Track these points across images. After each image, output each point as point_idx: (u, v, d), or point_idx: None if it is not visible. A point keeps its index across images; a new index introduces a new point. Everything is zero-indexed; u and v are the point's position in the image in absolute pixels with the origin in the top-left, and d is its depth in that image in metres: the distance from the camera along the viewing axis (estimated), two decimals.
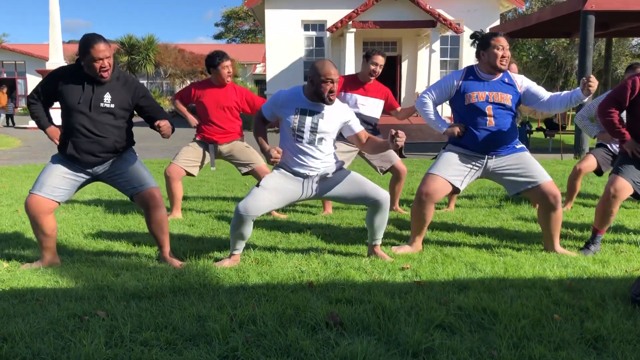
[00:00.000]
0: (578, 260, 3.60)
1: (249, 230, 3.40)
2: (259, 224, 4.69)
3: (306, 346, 2.25)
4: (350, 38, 17.62)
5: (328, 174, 3.47)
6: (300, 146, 3.40)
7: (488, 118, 3.68)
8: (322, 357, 2.19)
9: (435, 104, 3.89)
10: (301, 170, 3.43)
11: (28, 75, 34.64)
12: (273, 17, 19.75)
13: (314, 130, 3.38)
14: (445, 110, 17.29)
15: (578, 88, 3.54)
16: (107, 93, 3.36)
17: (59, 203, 3.43)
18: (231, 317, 2.54)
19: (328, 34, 19.11)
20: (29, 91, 33.23)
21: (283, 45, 19.89)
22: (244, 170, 5.10)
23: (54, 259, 3.51)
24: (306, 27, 20.21)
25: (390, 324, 2.47)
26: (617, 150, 5.10)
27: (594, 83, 3.41)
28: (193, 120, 5.05)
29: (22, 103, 33.49)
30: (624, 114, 4.35)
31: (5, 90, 22.53)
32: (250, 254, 3.70)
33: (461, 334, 2.42)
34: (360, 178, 3.52)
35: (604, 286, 3.02)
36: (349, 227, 4.64)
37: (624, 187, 3.70)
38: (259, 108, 3.59)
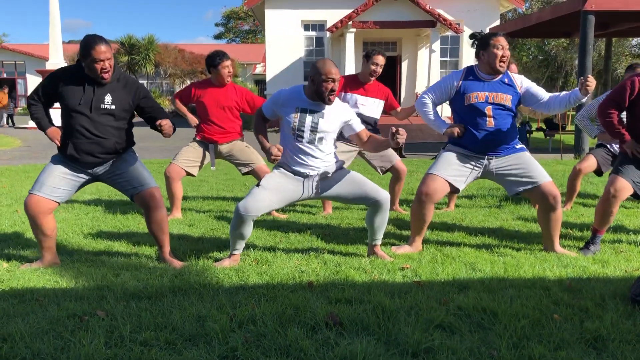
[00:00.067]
0: (578, 260, 3.60)
1: (249, 230, 3.40)
2: (258, 224, 4.69)
3: (306, 346, 2.25)
4: (350, 38, 17.62)
5: (328, 173, 3.47)
6: (300, 145, 3.40)
7: (488, 118, 3.68)
8: (321, 357, 2.19)
9: (435, 105, 3.89)
10: (301, 170, 3.43)
11: (28, 75, 34.64)
12: (273, 17, 19.75)
13: (314, 129, 3.38)
14: (445, 111, 17.30)
15: (577, 88, 3.54)
16: (108, 94, 3.36)
17: (58, 203, 3.43)
18: (231, 317, 2.54)
19: (328, 34, 19.11)
20: (29, 91, 33.19)
21: (283, 45, 19.89)
22: (244, 170, 5.10)
23: (54, 259, 3.51)
24: (306, 27, 20.21)
25: (390, 324, 2.47)
26: (617, 150, 5.11)
27: (592, 83, 3.41)
28: (193, 119, 5.05)
29: (22, 103, 33.49)
30: (624, 115, 4.35)
31: (6, 90, 22.53)
32: (250, 254, 3.70)
33: (461, 334, 2.42)
34: (361, 178, 3.52)
35: (604, 286, 3.03)
36: (349, 227, 4.64)
37: (624, 187, 3.70)
38: (259, 107, 3.59)
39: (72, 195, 3.57)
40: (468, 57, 19.53)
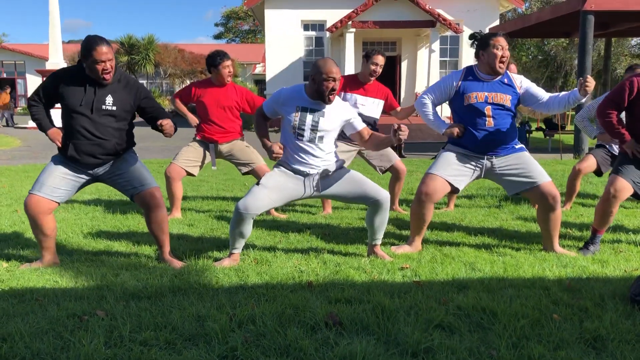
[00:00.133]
0: (577, 260, 3.60)
1: (248, 228, 3.40)
2: (258, 223, 4.69)
3: (305, 346, 2.25)
4: (349, 38, 17.62)
5: (328, 172, 3.48)
6: (300, 144, 3.40)
7: (487, 118, 3.69)
8: (321, 357, 2.19)
9: (435, 105, 3.89)
10: (301, 168, 3.43)
11: (28, 75, 34.63)
12: (273, 17, 19.75)
13: (314, 128, 3.38)
14: (445, 111, 17.30)
15: (576, 89, 3.54)
16: (109, 95, 3.36)
17: (58, 203, 3.43)
18: (230, 317, 2.54)
19: (328, 34, 19.11)
20: (29, 91, 33.11)
21: (283, 45, 19.89)
22: (244, 169, 5.10)
23: (54, 258, 3.51)
24: (306, 27, 20.21)
25: (389, 324, 2.47)
26: (617, 151, 5.11)
27: (591, 83, 3.41)
28: (193, 119, 5.05)
29: (22, 103, 33.48)
30: (623, 115, 4.35)
31: (9, 90, 22.54)
32: (249, 254, 3.70)
33: (460, 334, 2.42)
34: (361, 177, 3.53)
35: (603, 286, 3.03)
36: (349, 226, 4.64)
37: (624, 187, 3.70)
38: (260, 105, 3.59)
39: (72, 196, 3.56)
40: (468, 57, 19.53)
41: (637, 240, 4.18)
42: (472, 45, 3.85)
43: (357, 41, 18.74)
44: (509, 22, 14.62)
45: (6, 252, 3.83)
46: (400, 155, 11.01)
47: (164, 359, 2.18)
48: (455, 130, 3.75)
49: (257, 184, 3.41)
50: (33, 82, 34.07)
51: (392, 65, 19.79)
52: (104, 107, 3.34)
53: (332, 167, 3.49)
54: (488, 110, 3.68)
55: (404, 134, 3.19)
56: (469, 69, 3.80)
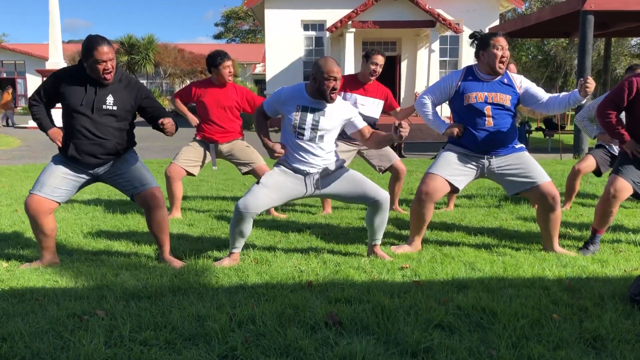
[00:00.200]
0: (577, 260, 3.60)
1: (248, 227, 3.40)
2: (258, 223, 4.70)
3: (305, 346, 2.25)
4: (349, 38, 17.62)
5: (328, 171, 3.48)
6: (301, 143, 3.40)
7: (487, 118, 3.69)
8: (321, 357, 2.19)
9: (435, 105, 3.89)
10: (301, 167, 3.43)
11: (28, 75, 34.62)
12: (273, 17, 19.74)
13: (314, 127, 3.38)
14: (445, 111, 17.30)
15: (576, 90, 3.54)
16: (110, 95, 3.36)
17: (59, 203, 3.43)
18: (230, 316, 2.54)
19: (328, 33, 19.10)
20: (29, 91, 33.04)
21: (283, 45, 19.89)
22: (244, 169, 5.10)
23: (54, 258, 3.51)
24: (306, 27, 20.21)
25: (389, 324, 2.47)
26: (617, 151, 5.11)
27: (591, 85, 3.41)
28: (193, 119, 5.05)
29: (22, 103, 33.47)
30: (623, 115, 4.35)
31: (10, 90, 22.53)
32: (249, 254, 3.70)
33: (460, 334, 2.42)
34: (361, 177, 3.53)
35: (603, 286, 3.03)
36: (349, 226, 4.64)
37: (624, 187, 3.70)
38: (260, 104, 3.59)
39: (72, 195, 3.56)
40: (467, 57, 19.53)
41: (636, 240, 4.18)
42: (472, 44, 3.85)
43: (357, 41, 18.74)
44: (509, 22, 14.62)
45: (6, 251, 3.83)
46: (400, 155, 11.01)
47: (163, 359, 2.18)
48: (455, 130, 3.75)
49: (257, 183, 3.41)
50: (33, 82, 34.06)
51: (392, 65, 19.79)
52: (104, 106, 3.34)
53: (332, 167, 3.49)
54: (488, 110, 3.68)
55: (405, 130, 3.19)
56: (469, 69, 3.80)
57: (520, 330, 2.42)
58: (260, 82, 33.59)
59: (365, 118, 4.93)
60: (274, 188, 3.40)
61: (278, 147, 3.38)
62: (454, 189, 3.83)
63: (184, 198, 5.95)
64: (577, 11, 10.31)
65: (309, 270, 3.34)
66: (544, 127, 14.47)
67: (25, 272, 3.30)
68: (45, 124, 3.46)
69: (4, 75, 34.89)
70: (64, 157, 3.43)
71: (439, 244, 4.08)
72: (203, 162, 5.04)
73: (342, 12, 18.20)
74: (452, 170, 3.78)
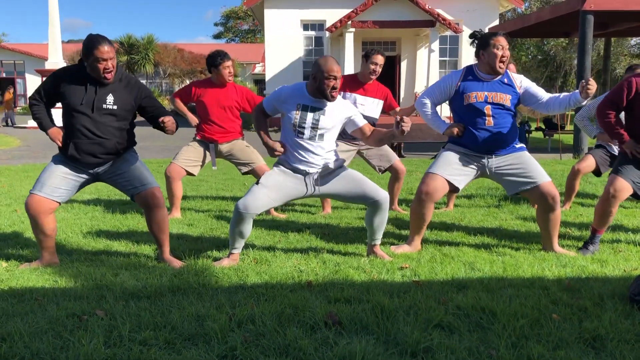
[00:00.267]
0: (576, 260, 3.60)
1: (248, 228, 3.40)
2: (258, 223, 4.69)
3: (305, 345, 2.25)
4: (349, 38, 17.61)
5: (328, 171, 3.48)
6: (300, 142, 3.40)
7: (487, 118, 3.69)
8: (320, 357, 2.19)
9: (435, 105, 3.89)
10: (301, 167, 3.43)
11: (27, 75, 34.62)
12: (272, 17, 19.74)
13: (315, 126, 3.38)
14: (445, 111, 17.29)
15: (577, 91, 3.54)
16: (110, 94, 3.35)
17: (59, 203, 3.43)
18: (230, 316, 2.54)
19: (327, 33, 19.10)
20: (28, 91, 32.90)
21: (282, 45, 19.88)
22: (244, 169, 5.10)
23: (53, 258, 3.51)
24: (305, 26, 20.20)
25: (389, 324, 2.47)
26: (616, 151, 5.11)
27: (593, 86, 3.40)
28: (193, 119, 5.05)
29: (22, 102, 33.46)
30: (623, 115, 4.35)
31: (12, 90, 22.51)
32: (249, 254, 3.70)
33: (460, 334, 2.42)
34: (360, 177, 3.53)
35: (603, 286, 3.03)
36: (348, 226, 4.64)
37: (624, 187, 3.70)
38: (260, 102, 3.59)
39: (73, 195, 3.56)
40: (467, 57, 19.53)
41: (636, 240, 4.18)
42: (472, 44, 3.85)
43: (357, 41, 18.73)
44: (509, 22, 14.62)
45: (5, 251, 3.83)
46: (400, 155, 11.02)
47: (163, 359, 2.18)
48: (455, 130, 3.75)
49: (257, 183, 3.41)
50: (32, 82, 34.05)
51: (392, 65, 19.79)
52: (104, 106, 3.34)
53: (331, 166, 3.49)
54: (488, 109, 3.68)
55: (407, 125, 3.18)
56: (469, 69, 3.80)
57: (519, 330, 2.42)
58: (259, 82, 33.58)
59: (365, 118, 4.93)
60: (273, 188, 3.39)
61: (278, 146, 3.38)
62: (454, 189, 3.83)
63: (184, 198, 5.94)
64: (577, 11, 10.31)
65: (309, 270, 3.34)
66: (543, 127, 14.47)
67: (25, 272, 3.30)
68: (45, 124, 3.45)
69: (4, 75, 34.88)
70: (64, 157, 3.42)
71: (439, 243, 4.08)
72: (203, 162, 5.04)
73: (342, 12, 18.20)
74: (452, 170, 3.78)
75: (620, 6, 10.17)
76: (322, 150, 3.44)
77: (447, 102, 3.91)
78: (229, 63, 4.85)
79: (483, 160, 3.79)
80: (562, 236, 4.30)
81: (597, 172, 5.28)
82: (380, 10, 17.35)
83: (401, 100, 20.11)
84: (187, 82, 29.54)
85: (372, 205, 3.48)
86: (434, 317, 2.54)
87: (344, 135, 4.94)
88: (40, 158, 10.80)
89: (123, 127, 3.44)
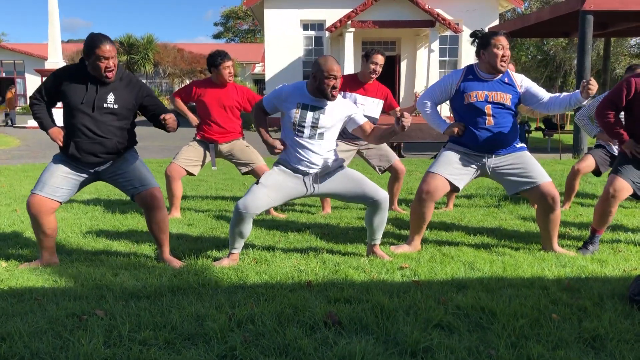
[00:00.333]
0: (576, 260, 3.61)
1: (248, 228, 3.40)
2: (257, 223, 4.69)
3: (304, 345, 2.25)
4: (349, 38, 17.62)
5: (328, 171, 3.48)
6: (300, 140, 3.40)
7: (487, 117, 3.69)
8: (320, 357, 2.19)
9: (436, 104, 3.90)
10: (301, 167, 3.43)
11: (27, 75, 34.60)
12: (272, 17, 19.74)
13: (314, 125, 3.39)
14: (445, 111, 17.29)
15: (578, 90, 3.54)
16: (111, 93, 3.35)
17: (60, 203, 3.43)
18: (230, 316, 2.54)
19: (327, 33, 19.10)
20: (28, 90, 32.78)
21: (282, 44, 19.89)
22: (244, 169, 5.10)
23: (53, 258, 3.51)
24: (305, 26, 20.20)
25: (388, 323, 2.47)
26: (616, 151, 5.11)
27: (594, 86, 3.40)
28: (194, 119, 5.05)
29: (21, 102, 33.46)
30: (622, 115, 4.35)
31: (14, 90, 22.51)
32: (249, 254, 3.70)
33: (459, 333, 2.42)
34: (360, 177, 3.53)
35: (602, 285, 3.03)
36: (348, 226, 4.64)
37: (624, 187, 3.70)
38: (260, 100, 3.59)
39: (74, 195, 3.57)
40: (467, 56, 19.53)
41: (636, 239, 4.19)
42: (472, 43, 3.85)
43: (357, 41, 18.74)
44: (508, 22, 14.62)
45: (5, 251, 3.82)
46: (400, 155, 11.02)
47: (163, 359, 2.18)
48: (456, 129, 3.75)
49: (257, 183, 3.41)
50: (32, 82, 34.04)
51: (392, 65, 19.79)
52: (105, 105, 3.34)
53: (331, 166, 3.49)
54: (488, 109, 3.68)
55: (407, 120, 3.18)
56: (470, 68, 3.80)
57: (519, 330, 2.42)
58: (259, 81, 33.57)
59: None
60: (273, 188, 3.40)
61: (278, 144, 3.38)
62: (454, 188, 3.83)
63: (184, 198, 5.94)
64: (577, 11, 10.31)
65: (308, 270, 3.34)
66: (543, 127, 14.47)
67: (25, 272, 3.30)
68: (46, 124, 3.45)
69: (3, 74, 34.87)
70: (65, 156, 3.42)
71: (439, 243, 4.08)
72: (203, 161, 5.04)
73: (342, 12, 18.20)
74: (453, 170, 3.78)
75: (620, 6, 10.17)
76: (322, 149, 3.44)
77: (448, 101, 3.92)
78: (229, 63, 4.85)
79: (483, 159, 3.79)
80: (561, 236, 4.30)
81: (596, 172, 5.28)
82: (380, 10, 17.35)
83: (401, 100, 20.11)
84: (187, 82, 29.54)
85: (371, 205, 3.48)
86: (433, 317, 2.54)
87: (344, 135, 4.94)
88: (40, 158, 10.79)
89: (124, 127, 3.44)
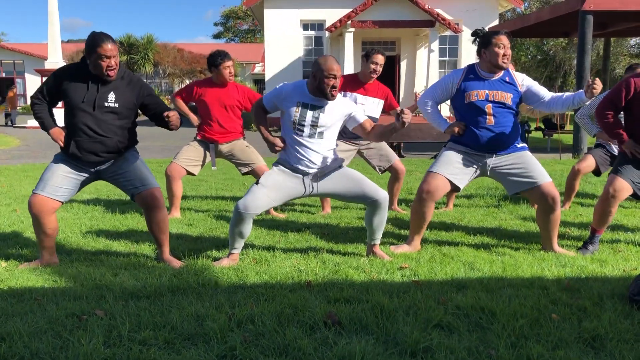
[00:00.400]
0: (576, 260, 3.61)
1: (248, 228, 3.40)
2: (257, 223, 4.69)
3: (304, 345, 2.25)
4: (349, 38, 17.62)
5: (327, 170, 3.48)
6: (300, 139, 3.40)
7: (488, 117, 3.69)
8: (320, 357, 2.19)
9: (437, 103, 3.90)
10: (300, 167, 3.43)
11: (27, 75, 34.60)
12: (272, 17, 19.74)
13: (314, 124, 3.39)
14: (445, 111, 17.29)
15: (581, 90, 3.54)
16: (112, 92, 3.35)
17: (62, 202, 3.43)
18: (229, 316, 2.54)
19: (327, 33, 19.10)
20: (28, 90, 32.78)
21: (282, 44, 19.89)
22: (244, 170, 5.10)
23: (53, 258, 3.51)
24: (305, 26, 20.21)
25: (388, 324, 2.47)
26: (616, 151, 5.11)
27: (598, 86, 3.39)
28: (194, 119, 5.05)
29: (21, 102, 33.45)
30: (622, 115, 4.35)
31: (15, 90, 22.51)
32: (248, 254, 3.70)
33: (459, 334, 2.42)
34: (360, 176, 3.53)
35: (602, 285, 3.03)
36: (348, 226, 4.64)
37: (623, 187, 3.70)
38: (260, 98, 3.59)
39: (74, 194, 3.57)
40: (467, 56, 19.53)
41: (635, 239, 4.19)
42: (473, 42, 3.85)
43: (357, 41, 18.74)
44: (508, 22, 14.63)
45: (5, 251, 3.82)
46: (400, 155, 11.01)
47: (162, 359, 2.18)
48: (456, 129, 3.75)
49: (256, 183, 3.41)
50: (32, 82, 34.04)
51: (392, 65, 19.78)
52: (106, 104, 3.34)
53: (331, 166, 3.49)
54: (489, 108, 3.68)
55: (408, 116, 3.18)
56: (470, 67, 3.80)
57: (519, 330, 2.42)
58: (259, 81, 33.57)
59: None
60: (273, 188, 3.40)
61: (278, 141, 3.38)
62: (454, 188, 3.83)
63: (183, 198, 5.94)
64: (576, 11, 10.31)
65: (308, 270, 3.34)
66: (543, 126, 14.47)
67: (24, 272, 3.30)
68: (47, 124, 3.44)
69: (3, 74, 34.86)
70: (66, 156, 3.42)
71: (438, 243, 4.08)
72: (203, 161, 5.04)
73: (342, 12, 18.20)
74: (454, 169, 3.78)
75: (620, 6, 10.17)
76: (322, 148, 3.44)
77: (448, 101, 3.92)
78: (229, 63, 4.85)
79: (484, 159, 3.79)
80: (561, 236, 4.30)
81: (596, 172, 5.28)
82: (379, 10, 17.35)
83: (401, 100, 20.11)
84: (187, 82, 29.53)
85: (371, 204, 3.49)
86: (433, 317, 2.54)
87: (344, 135, 4.94)
88: (40, 158, 10.79)
89: (125, 126, 3.44)
